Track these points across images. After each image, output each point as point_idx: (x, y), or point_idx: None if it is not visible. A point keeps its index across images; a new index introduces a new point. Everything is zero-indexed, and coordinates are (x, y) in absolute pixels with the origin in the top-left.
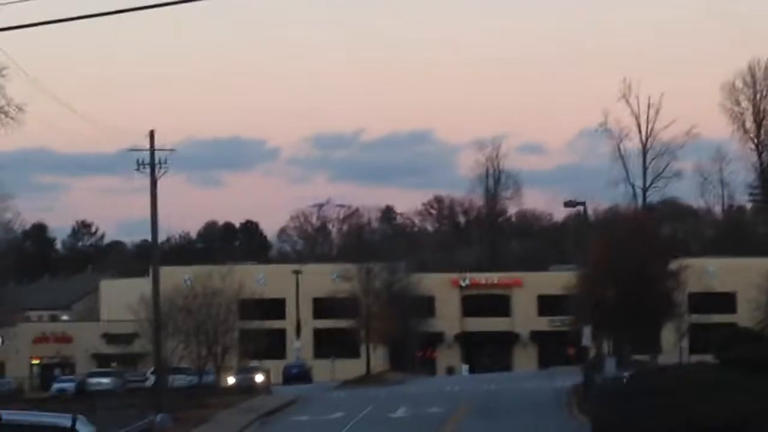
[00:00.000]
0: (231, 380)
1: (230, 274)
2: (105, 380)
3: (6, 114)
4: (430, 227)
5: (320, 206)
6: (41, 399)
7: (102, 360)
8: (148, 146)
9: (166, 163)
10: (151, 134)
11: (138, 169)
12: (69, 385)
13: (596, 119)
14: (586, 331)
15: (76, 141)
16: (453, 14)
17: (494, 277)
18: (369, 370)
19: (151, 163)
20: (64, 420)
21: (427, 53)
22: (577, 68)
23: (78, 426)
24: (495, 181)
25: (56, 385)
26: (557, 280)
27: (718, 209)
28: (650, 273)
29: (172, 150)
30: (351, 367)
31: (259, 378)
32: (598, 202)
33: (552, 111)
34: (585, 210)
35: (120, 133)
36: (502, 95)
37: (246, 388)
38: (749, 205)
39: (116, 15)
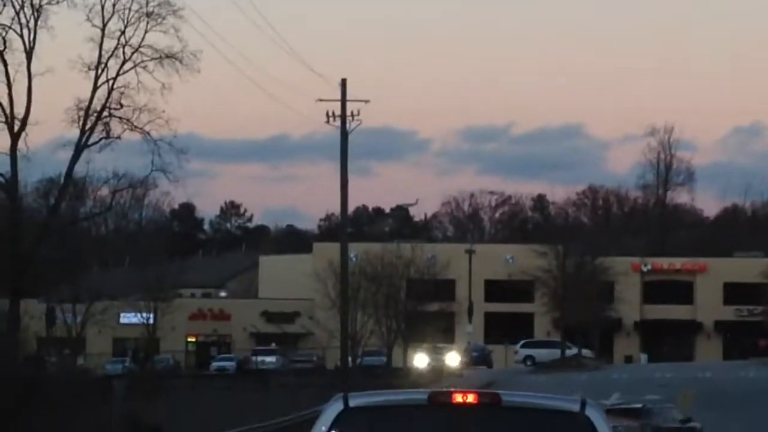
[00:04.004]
0: (424, 361)
1: (420, 247)
2: (270, 359)
3: (180, 60)
4: (584, 217)
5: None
6: (203, 376)
7: (260, 339)
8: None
9: (359, 115)
10: (343, 83)
11: (327, 122)
12: (229, 364)
13: (749, 117)
14: None
15: (226, 125)
16: (609, 10)
17: (677, 262)
18: (564, 354)
19: (342, 114)
20: (571, 403)
21: (582, 48)
22: (731, 66)
23: (588, 410)
24: (666, 167)
25: (216, 364)
26: (745, 267)
27: None
28: None
29: (366, 101)
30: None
31: (453, 359)
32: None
33: (705, 108)
34: None
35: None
36: (656, 91)
37: (432, 371)
38: None
39: None
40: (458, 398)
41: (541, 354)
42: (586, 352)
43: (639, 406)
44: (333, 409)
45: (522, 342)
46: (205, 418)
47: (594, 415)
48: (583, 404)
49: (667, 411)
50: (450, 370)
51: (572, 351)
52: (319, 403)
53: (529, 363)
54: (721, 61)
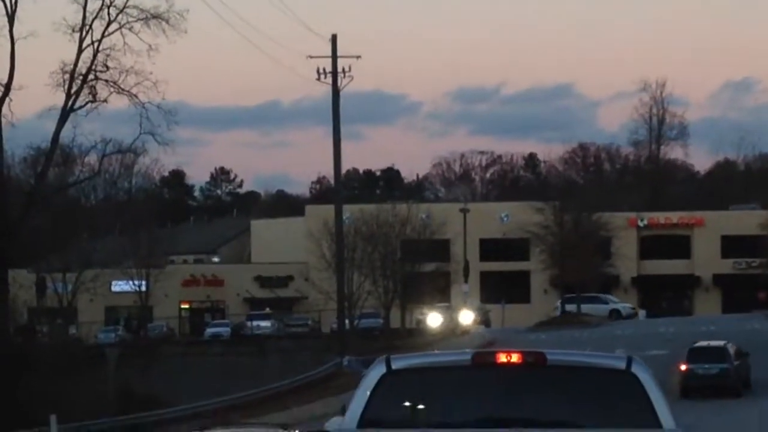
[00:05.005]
0: (436, 320)
1: (415, 206)
2: (265, 323)
3: (166, 20)
4: (575, 176)
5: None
6: (198, 343)
7: (254, 304)
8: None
9: (350, 71)
10: (334, 39)
11: (318, 79)
12: (224, 330)
13: (740, 71)
14: None
15: (216, 91)
16: None
17: (674, 216)
18: (564, 311)
19: (333, 69)
20: (616, 361)
21: (572, 6)
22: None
23: (634, 367)
24: (659, 122)
25: (210, 330)
26: (742, 220)
27: None
28: None
29: (357, 57)
30: (521, 313)
31: (467, 317)
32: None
33: (697, 63)
34: None
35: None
36: (646, 49)
37: (425, 329)
38: None
39: None
40: (502, 358)
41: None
42: (625, 306)
43: (722, 344)
44: (376, 371)
45: (562, 297)
46: (201, 385)
47: (640, 372)
48: (630, 361)
49: (731, 348)
50: (464, 328)
51: (612, 306)
52: (315, 366)
53: None
54: (712, 15)
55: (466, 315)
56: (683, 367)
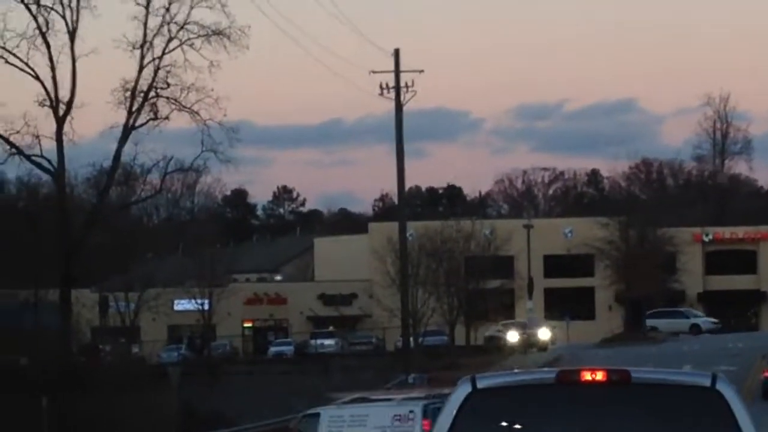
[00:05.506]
0: (514, 336)
1: (479, 222)
2: (329, 341)
3: (228, 37)
4: (638, 191)
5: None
6: (262, 361)
7: (318, 322)
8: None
9: (413, 86)
10: (396, 53)
11: (381, 94)
12: (287, 348)
13: None
14: None
15: (278, 110)
16: None
17: (739, 231)
18: (629, 327)
19: (396, 84)
20: (701, 378)
21: (633, 22)
22: None
23: (719, 384)
24: (723, 136)
25: (273, 349)
26: None
27: None
28: None
29: (420, 71)
30: (586, 329)
31: (544, 334)
32: None
33: (760, 77)
34: None
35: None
36: (711, 63)
37: (492, 348)
38: None
39: None
40: (587, 376)
41: (663, 324)
42: (706, 320)
43: None
44: (461, 391)
45: (647, 313)
46: (264, 403)
47: (725, 389)
48: (714, 379)
49: None
50: (542, 344)
51: (693, 320)
52: (379, 385)
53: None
54: None
55: (544, 332)
56: (766, 374)
